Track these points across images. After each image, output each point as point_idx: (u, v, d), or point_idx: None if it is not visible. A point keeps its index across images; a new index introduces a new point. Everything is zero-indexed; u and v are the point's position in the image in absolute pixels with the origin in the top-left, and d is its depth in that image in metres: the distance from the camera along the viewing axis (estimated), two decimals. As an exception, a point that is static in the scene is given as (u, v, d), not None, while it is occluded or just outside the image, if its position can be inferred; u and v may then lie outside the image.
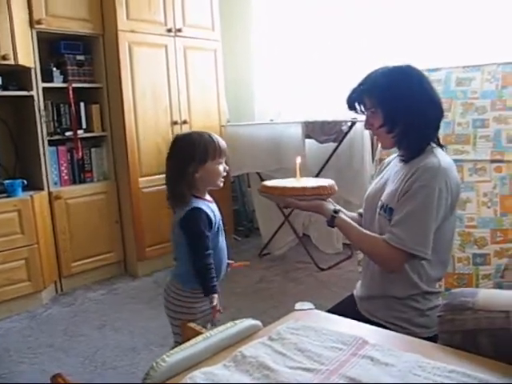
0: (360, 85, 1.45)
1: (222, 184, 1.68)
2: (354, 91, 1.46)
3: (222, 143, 1.65)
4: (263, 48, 4.22)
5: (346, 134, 3.27)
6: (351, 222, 1.46)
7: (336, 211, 1.45)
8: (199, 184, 1.62)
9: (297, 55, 4.00)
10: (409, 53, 3.20)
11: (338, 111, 3.29)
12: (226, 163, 1.70)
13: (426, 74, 2.58)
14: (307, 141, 3.32)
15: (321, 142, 3.34)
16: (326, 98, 3.75)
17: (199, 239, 1.57)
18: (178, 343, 1.55)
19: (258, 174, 3.60)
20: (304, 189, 1.43)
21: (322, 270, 3.36)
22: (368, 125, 1.47)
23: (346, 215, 1.52)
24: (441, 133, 2.42)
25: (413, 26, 3.27)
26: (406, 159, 1.43)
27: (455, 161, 2.29)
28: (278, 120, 3.89)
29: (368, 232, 1.44)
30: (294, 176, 1.57)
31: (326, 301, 2.66)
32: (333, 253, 3.66)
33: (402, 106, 1.37)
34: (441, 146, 1.46)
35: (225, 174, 1.68)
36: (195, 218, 1.57)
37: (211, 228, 1.61)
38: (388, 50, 3.35)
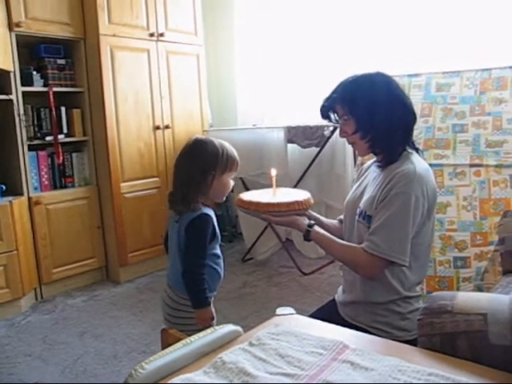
0: (331, 94, 1.47)
1: (224, 198, 1.66)
2: (326, 100, 1.48)
3: (238, 156, 1.62)
4: (246, 53, 4.23)
5: (328, 138, 3.28)
6: (326, 233, 1.47)
7: (310, 225, 1.46)
8: (210, 194, 1.59)
9: (279, 61, 4.02)
10: (390, 59, 3.25)
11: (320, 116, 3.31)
12: None
13: (406, 79, 2.64)
14: (290, 145, 3.33)
15: (303, 147, 3.35)
16: (308, 103, 3.77)
17: (201, 247, 1.54)
18: None
19: (240, 178, 3.60)
20: (279, 204, 1.44)
21: (305, 274, 3.37)
22: (342, 133, 1.49)
23: (324, 226, 1.55)
24: (422, 137, 2.48)
25: (394, 32, 3.31)
26: (383, 165, 1.44)
27: (435, 165, 2.35)
28: (261, 125, 3.90)
29: (344, 242, 1.45)
30: (276, 182, 1.58)
31: (308, 305, 2.68)
32: (316, 257, 3.67)
33: (373, 112, 1.38)
34: (416, 150, 1.47)
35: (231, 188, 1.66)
36: (204, 224, 1.54)
37: (215, 236, 1.59)
38: (369, 56, 3.39)
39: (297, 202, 1.45)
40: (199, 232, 1.54)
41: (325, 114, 1.51)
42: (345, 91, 1.44)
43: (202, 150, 1.57)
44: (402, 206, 1.32)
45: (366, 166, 1.63)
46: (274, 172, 1.56)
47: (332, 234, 1.50)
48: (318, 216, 1.65)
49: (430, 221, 1.41)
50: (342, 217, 1.69)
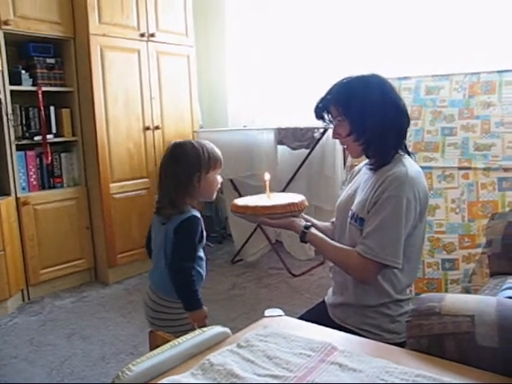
0: (326, 95, 1.47)
1: (214, 196, 1.66)
2: (321, 101, 1.48)
3: (220, 153, 1.63)
4: (237, 54, 4.23)
5: (318, 140, 3.29)
6: (323, 236, 1.47)
7: (307, 227, 1.46)
8: (198, 194, 1.59)
9: (270, 63, 4.02)
10: (380, 61, 3.26)
11: (311, 118, 3.32)
12: None
13: (396, 82, 2.66)
14: (280, 147, 3.33)
15: (293, 149, 3.36)
16: (298, 104, 3.78)
17: (191, 249, 1.54)
18: None
19: (230, 180, 3.59)
20: (274, 207, 1.45)
21: (295, 276, 3.37)
22: (336, 134, 1.48)
23: (317, 228, 1.54)
24: (411, 140, 2.50)
25: (384, 35, 3.33)
26: (375, 167, 1.44)
27: (425, 168, 2.35)
28: (252, 126, 3.90)
29: (340, 245, 1.45)
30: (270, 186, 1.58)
31: (298, 307, 2.68)
32: (305, 259, 3.67)
33: (367, 114, 1.38)
34: (409, 154, 1.48)
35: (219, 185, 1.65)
36: (193, 227, 1.54)
37: (202, 239, 1.59)
38: (360, 58, 3.40)
39: (292, 204, 1.46)
40: (189, 234, 1.54)
41: (319, 115, 1.50)
42: (339, 92, 1.43)
43: (183, 153, 1.57)
44: (393, 208, 1.32)
45: (357, 168, 1.63)
46: (267, 176, 1.57)
47: (326, 236, 1.50)
48: (311, 219, 1.65)
49: (421, 223, 1.42)
50: (334, 219, 1.69)
